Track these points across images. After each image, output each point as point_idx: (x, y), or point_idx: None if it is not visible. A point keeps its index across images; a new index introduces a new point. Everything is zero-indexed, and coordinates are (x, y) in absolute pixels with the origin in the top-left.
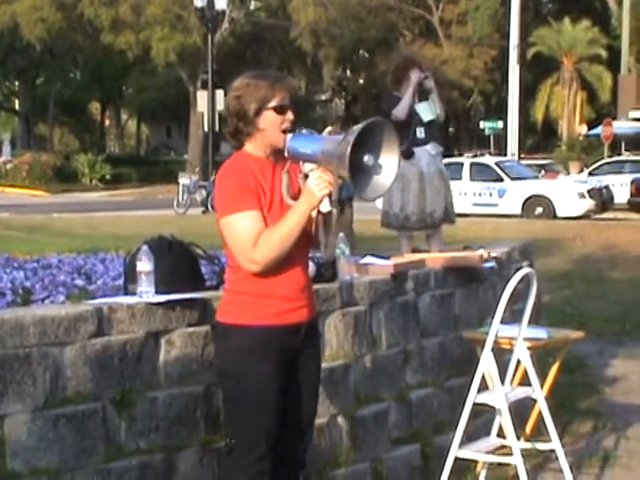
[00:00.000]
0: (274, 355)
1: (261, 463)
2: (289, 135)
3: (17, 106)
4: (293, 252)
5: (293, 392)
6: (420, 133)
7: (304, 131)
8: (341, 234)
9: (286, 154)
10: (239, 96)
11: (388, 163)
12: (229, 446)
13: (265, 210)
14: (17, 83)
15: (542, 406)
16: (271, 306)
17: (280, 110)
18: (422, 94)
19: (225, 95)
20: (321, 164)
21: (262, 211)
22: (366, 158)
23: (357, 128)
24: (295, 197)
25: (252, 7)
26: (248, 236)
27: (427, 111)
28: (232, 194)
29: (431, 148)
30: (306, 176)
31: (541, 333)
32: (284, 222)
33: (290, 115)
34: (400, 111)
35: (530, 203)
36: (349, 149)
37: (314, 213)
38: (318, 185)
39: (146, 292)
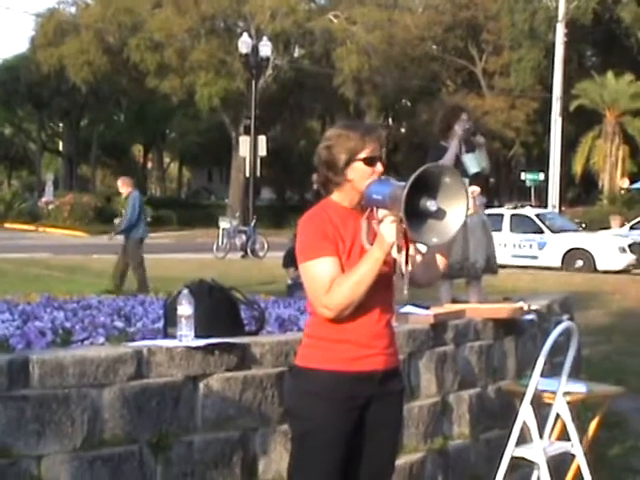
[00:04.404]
0: (341, 401)
1: None
2: (366, 182)
3: (61, 147)
4: (370, 298)
5: (370, 437)
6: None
7: (383, 177)
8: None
9: (363, 202)
10: (330, 146)
11: (453, 209)
12: None
13: (344, 258)
14: (61, 125)
15: (581, 461)
16: (342, 351)
17: (369, 162)
18: (469, 145)
19: (267, 141)
20: (390, 209)
21: (340, 259)
22: (428, 203)
23: (417, 172)
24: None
25: (296, 54)
26: (322, 282)
27: (473, 163)
28: (310, 241)
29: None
30: (380, 222)
31: (581, 387)
32: (356, 269)
33: (379, 166)
34: (446, 163)
35: (570, 256)
36: (405, 192)
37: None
38: (389, 231)
39: (186, 336)
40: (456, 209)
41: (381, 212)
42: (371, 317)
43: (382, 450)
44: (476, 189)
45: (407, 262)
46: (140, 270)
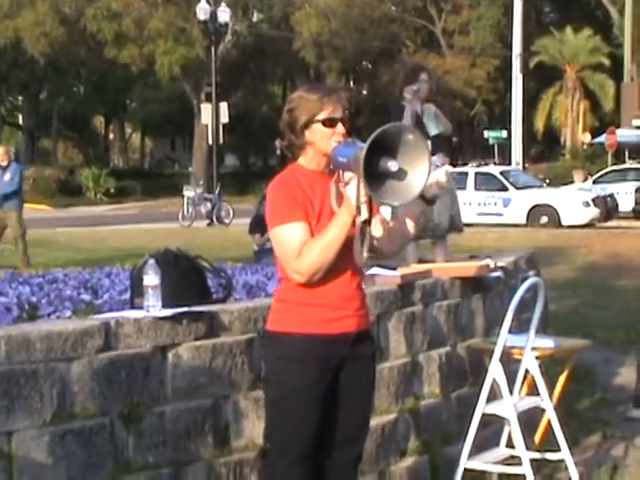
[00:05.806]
0: (314, 364)
1: (292, 469)
2: (334, 145)
3: (21, 121)
4: (340, 261)
5: (344, 400)
6: None
7: (349, 140)
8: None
9: (331, 165)
10: (292, 108)
11: (414, 169)
12: (264, 450)
13: (313, 223)
14: (20, 98)
15: (551, 416)
16: (313, 314)
17: (329, 123)
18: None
19: (229, 107)
20: (354, 172)
21: (310, 223)
22: (389, 163)
23: (375, 132)
24: None
25: (255, 19)
26: (292, 247)
27: (432, 125)
28: (279, 206)
29: (437, 159)
30: (346, 185)
31: (549, 342)
32: (325, 233)
33: (341, 128)
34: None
35: (535, 212)
36: (363, 153)
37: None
38: (355, 193)
39: (153, 306)
40: (418, 169)
41: (347, 175)
42: (342, 280)
43: (356, 412)
44: (449, 168)
45: (370, 223)
46: (24, 242)
